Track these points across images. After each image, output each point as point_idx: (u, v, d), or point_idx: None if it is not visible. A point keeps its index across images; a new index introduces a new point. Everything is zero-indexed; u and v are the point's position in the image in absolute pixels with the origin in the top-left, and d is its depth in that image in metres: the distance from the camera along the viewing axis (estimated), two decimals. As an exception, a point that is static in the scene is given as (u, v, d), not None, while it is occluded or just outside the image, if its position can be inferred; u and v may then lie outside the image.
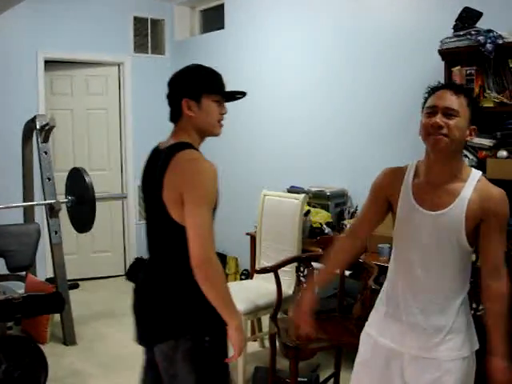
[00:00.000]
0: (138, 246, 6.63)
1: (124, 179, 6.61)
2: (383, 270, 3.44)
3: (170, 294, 2.13)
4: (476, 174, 2.06)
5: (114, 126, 6.57)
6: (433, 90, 2.12)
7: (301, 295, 2.36)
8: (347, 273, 3.63)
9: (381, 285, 3.18)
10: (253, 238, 4.61)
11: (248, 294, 3.93)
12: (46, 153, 4.68)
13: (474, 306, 2.92)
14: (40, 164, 4.70)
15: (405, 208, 2.13)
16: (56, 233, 4.61)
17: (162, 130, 6.34)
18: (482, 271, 2.07)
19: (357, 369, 2.31)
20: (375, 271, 3.25)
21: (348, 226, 4.13)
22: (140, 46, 6.66)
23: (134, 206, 6.64)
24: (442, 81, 3.62)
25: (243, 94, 2.31)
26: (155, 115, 6.45)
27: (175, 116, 2.20)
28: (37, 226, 3.87)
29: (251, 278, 4.58)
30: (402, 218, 2.15)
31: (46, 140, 4.69)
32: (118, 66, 6.54)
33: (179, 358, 2.09)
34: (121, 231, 6.64)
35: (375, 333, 2.24)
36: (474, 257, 2.17)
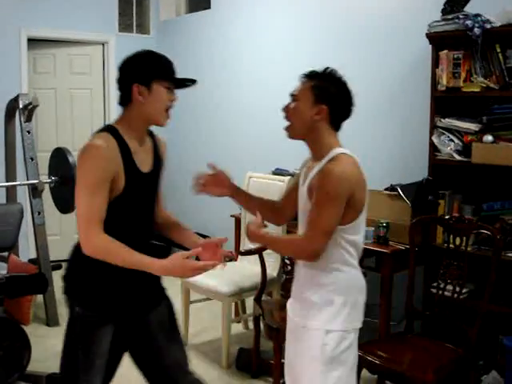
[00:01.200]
0: (121, 227, 6.60)
1: (108, 160, 6.53)
2: (368, 253, 3.47)
3: (72, 260, 2.28)
4: (332, 154, 2.14)
5: (98, 106, 6.50)
6: None
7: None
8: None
9: (365, 267, 3.20)
10: (237, 220, 4.60)
11: (232, 276, 3.93)
12: (28, 132, 4.62)
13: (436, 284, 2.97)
14: (23, 144, 4.64)
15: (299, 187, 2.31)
16: (39, 213, 4.57)
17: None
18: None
19: None
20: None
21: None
22: (125, 26, 6.59)
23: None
24: (429, 65, 3.63)
25: (193, 81, 2.27)
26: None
27: (124, 100, 2.22)
28: (20, 206, 3.83)
29: (235, 261, 4.58)
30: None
31: (29, 119, 4.63)
32: (103, 45, 6.46)
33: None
34: (104, 212, 6.57)
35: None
36: (358, 238, 2.20)
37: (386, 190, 3.74)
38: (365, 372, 2.85)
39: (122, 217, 2.20)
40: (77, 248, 2.20)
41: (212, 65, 5.87)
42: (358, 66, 4.43)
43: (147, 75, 2.15)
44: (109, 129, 2.18)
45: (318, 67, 2.22)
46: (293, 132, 2.22)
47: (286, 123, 2.22)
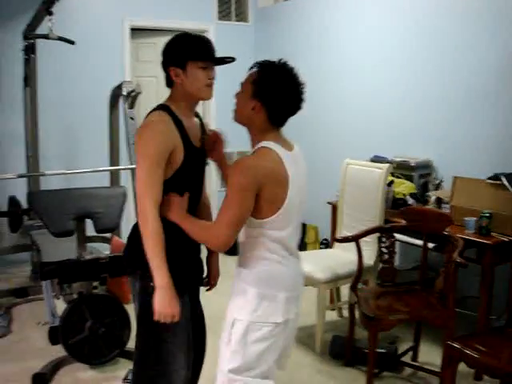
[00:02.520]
0: (218, 212, 6.72)
1: (206, 146, 6.66)
2: (469, 244, 3.36)
3: (133, 236, 2.33)
4: (255, 148, 2.16)
5: (197, 93, 6.62)
6: None
7: None
8: (431, 245, 3.55)
9: (465, 258, 3.11)
10: (334, 207, 4.57)
11: (328, 262, 3.92)
12: (132, 118, 4.77)
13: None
14: (126, 129, 4.80)
15: None
16: (140, 197, 4.72)
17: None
18: None
19: None
20: (460, 244, 3.17)
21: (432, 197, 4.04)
22: (224, 14, 6.67)
23: (216, 173, 6.69)
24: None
25: (232, 58, 2.32)
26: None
27: (168, 82, 2.31)
28: (123, 190, 3.96)
29: (331, 248, 4.56)
30: None
31: (132, 106, 4.78)
32: (203, 33, 6.56)
33: (135, 294, 2.36)
34: (202, 197, 6.71)
35: None
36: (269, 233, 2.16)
37: (490, 178, 3.60)
38: (462, 366, 2.77)
39: (180, 193, 2.26)
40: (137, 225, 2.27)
41: (310, 52, 5.84)
42: (459, 50, 4.28)
43: (181, 58, 2.22)
44: (162, 107, 2.27)
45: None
46: (235, 117, 2.23)
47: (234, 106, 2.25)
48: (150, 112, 2.28)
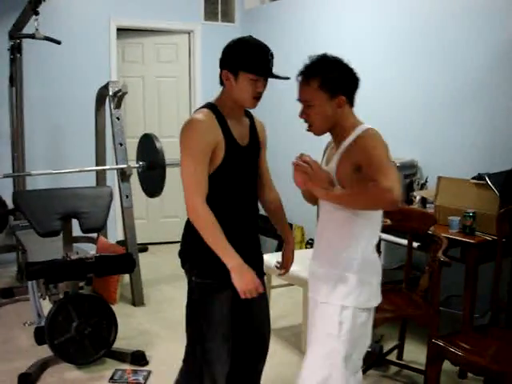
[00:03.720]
0: (205, 212, 6.74)
1: (193, 146, 6.66)
2: (453, 243, 3.39)
3: (185, 232, 2.42)
4: (360, 129, 2.17)
5: (184, 93, 6.64)
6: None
7: None
8: (415, 244, 3.58)
9: (449, 257, 3.14)
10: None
11: (313, 262, 3.94)
12: (118, 118, 4.78)
13: None
14: (112, 129, 4.81)
15: None
16: (127, 197, 4.73)
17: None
18: None
19: None
20: (444, 244, 3.20)
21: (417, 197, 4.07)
22: (210, 14, 6.68)
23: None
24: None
25: (286, 78, 2.31)
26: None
27: (221, 81, 2.32)
28: (109, 190, 3.96)
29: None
30: None
31: (118, 106, 4.79)
32: (189, 33, 6.58)
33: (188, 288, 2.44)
34: (189, 198, 6.70)
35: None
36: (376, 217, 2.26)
37: (473, 178, 3.64)
38: (447, 364, 2.80)
39: (224, 190, 2.32)
40: (189, 221, 2.33)
41: (298, 53, 5.85)
42: (444, 52, 4.32)
43: (235, 64, 2.23)
44: (208, 105, 2.32)
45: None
46: (319, 131, 2.23)
47: (306, 125, 2.24)
48: (197, 109, 2.35)
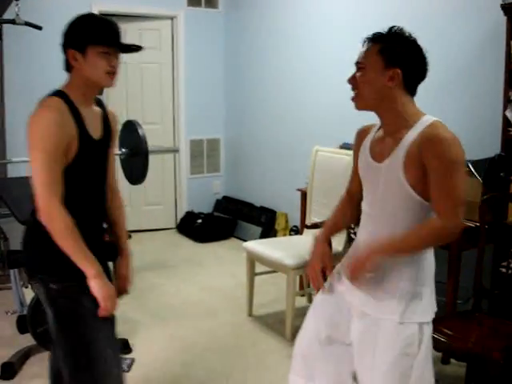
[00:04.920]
0: (188, 199, 6.73)
1: (176, 133, 6.65)
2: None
3: (28, 239, 2.18)
4: (426, 120, 1.94)
5: (167, 80, 6.59)
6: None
7: (314, 247, 2.30)
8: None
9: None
10: (304, 194, 4.60)
11: (298, 249, 3.94)
12: (100, 105, 4.72)
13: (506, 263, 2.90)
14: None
15: (363, 165, 2.11)
16: (110, 184, 4.69)
17: (214, 85, 6.38)
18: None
19: (315, 303, 2.33)
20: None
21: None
22: (193, 0, 6.61)
23: (186, 159, 6.70)
24: (504, 37, 3.49)
25: (138, 47, 2.19)
26: (208, 70, 6.46)
27: (66, 66, 2.12)
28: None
29: (301, 234, 4.59)
30: (362, 176, 2.13)
31: (100, 93, 4.73)
32: (172, 19, 6.51)
33: (42, 299, 2.18)
34: (172, 185, 6.72)
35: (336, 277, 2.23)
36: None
37: (456, 165, 3.65)
38: (430, 349, 2.82)
39: (74, 189, 2.09)
40: (32, 223, 2.12)
41: (280, 38, 5.83)
42: (429, 37, 4.30)
43: (81, 40, 2.04)
44: (58, 93, 2.08)
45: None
46: (362, 102, 2.00)
47: (353, 93, 2.01)
48: (46, 97, 2.08)
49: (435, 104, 4.26)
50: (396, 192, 1.96)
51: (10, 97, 5.41)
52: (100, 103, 2.27)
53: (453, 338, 2.75)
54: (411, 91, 2.00)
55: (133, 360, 3.56)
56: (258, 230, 6.02)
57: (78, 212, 2.06)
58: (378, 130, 2.12)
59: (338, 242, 3.92)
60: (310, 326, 2.29)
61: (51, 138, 1.97)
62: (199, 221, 6.44)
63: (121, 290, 2.38)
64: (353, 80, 1.99)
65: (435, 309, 2.10)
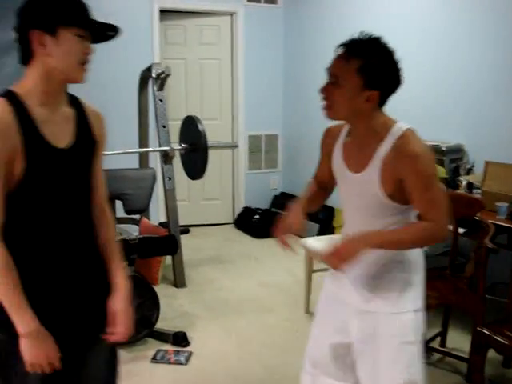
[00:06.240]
0: (246, 195, 6.76)
1: (235, 129, 6.68)
2: (500, 229, 3.32)
3: None
4: (397, 131, 1.91)
5: (226, 75, 6.62)
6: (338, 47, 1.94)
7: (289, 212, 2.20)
8: (461, 230, 3.51)
9: (496, 244, 3.07)
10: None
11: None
12: (161, 100, 4.79)
13: None
14: (155, 112, 4.82)
15: (338, 169, 2.10)
16: (169, 179, 4.76)
17: (272, 80, 6.37)
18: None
19: (321, 298, 2.32)
20: (491, 230, 3.12)
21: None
22: (253, -4, 6.63)
23: (244, 155, 6.73)
24: None
25: (115, 29, 1.78)
26: (266, 65, 6.46)
27: (25, 56, 1.65)
28: (153, 171, 4.00)
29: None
30: (338, 178, 2.12)
31: (161, 88, 4.80)
32: (231, 15, 6.53)
33: None
34: (230, 180, 6.76)
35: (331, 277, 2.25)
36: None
37: (522, 163, 3.55)
38: (491, 352, 2.75)
39: (31, 217, 1.67)
40: None
41: (343, 34, 5.75)
42: (489, 30, 4.19)
43: (51, 19, 1.60)
44: (5, 94, 1.63)
45: (362, 35, 1.97)
46: (334, 116, 1.95)
47: (324, 102, 1.92)
48: None
49: (499, 99, 4.14)
50: (374, 201, 1.98)
51: (73, 92, 5.53)
52: (75, 102, 1.82)
53: (517, 341, 2.67)
54: (383, 103, 1.96)
55: (190, 353, 3.60)
56: (316, 226, 5.99)
57: (40, 246, 1.68)
58: (348, 134, 2.08)
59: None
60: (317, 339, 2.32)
61: None
62: (256, 216, 6.46)
63: (118, 336, 1.86)
64: (325, 92, 1.92)
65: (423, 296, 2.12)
